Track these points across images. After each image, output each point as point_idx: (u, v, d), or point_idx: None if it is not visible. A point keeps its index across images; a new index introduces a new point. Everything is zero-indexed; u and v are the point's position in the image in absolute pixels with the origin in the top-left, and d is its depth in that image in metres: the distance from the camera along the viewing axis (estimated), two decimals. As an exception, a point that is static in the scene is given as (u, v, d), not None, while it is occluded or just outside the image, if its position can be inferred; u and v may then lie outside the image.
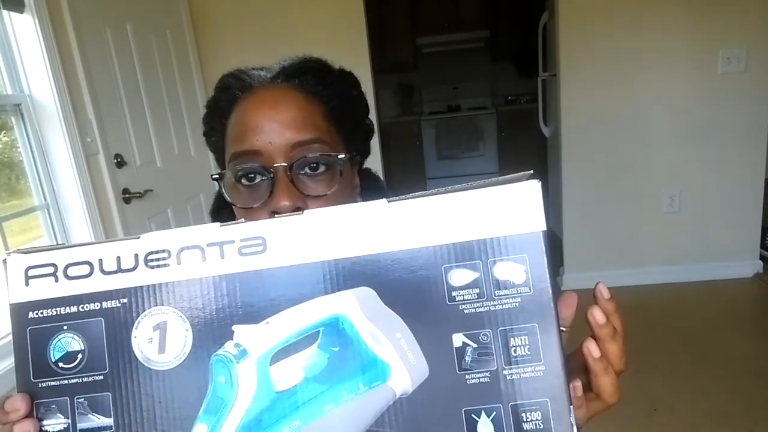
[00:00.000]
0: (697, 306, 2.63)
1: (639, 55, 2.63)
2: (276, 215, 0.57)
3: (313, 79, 0.63)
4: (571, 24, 2.63)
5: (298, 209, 0.57)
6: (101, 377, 0.38)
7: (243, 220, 0.39)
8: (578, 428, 0.37)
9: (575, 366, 0.40)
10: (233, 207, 0.62)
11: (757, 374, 2.06)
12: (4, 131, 1.78)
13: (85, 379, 0.38)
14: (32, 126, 1.79)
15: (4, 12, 1.69)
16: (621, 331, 0.41)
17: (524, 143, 4.57)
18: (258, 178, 0.59)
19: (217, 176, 0.61)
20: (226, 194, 0.61)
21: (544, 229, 0.37)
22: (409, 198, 0.38)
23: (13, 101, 1.74)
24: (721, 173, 2.71)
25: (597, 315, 0.40)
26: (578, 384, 0.38)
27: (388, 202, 0.38)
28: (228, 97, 0.64)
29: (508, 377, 0.37)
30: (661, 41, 2.60)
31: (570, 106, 2.74)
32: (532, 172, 0.38)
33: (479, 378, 0.37)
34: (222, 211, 0.71)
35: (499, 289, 0.37)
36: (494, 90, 5.15)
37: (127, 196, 2.06)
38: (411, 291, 0.37)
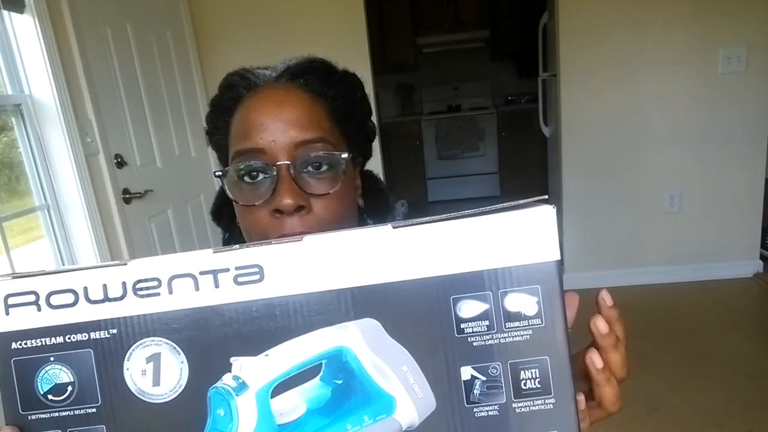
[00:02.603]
0: (697, 306, 2.63)
1: (639, 54, 2.62)
2: (278, 213, 0.57)
3: (318, 79, 0.63)
4: (572, 24, 2.63)
5: (300, 207, 0.57)
6: (94, 410, 0.37)
7: (237, 246, 0.37)
8: None
9: (576, 373, 0.40)
10: (234, 205, 0.62)
11: (757, 374, 2.06)
12: (4, 131, 1.78)
13: (77, 412, 0.37)
14: (32, 126, 1.79)
15: (4, 12, 1.69)
16: (623, 340, 0.41)
17: (524, 143, 4.57)
18: (261, 176, 0.59)
19: (220, 173, 0.61)
20: (228, 191, 0.61)
21: (559, 258, 0.36)
22: (415, 224, 0.36)
23: (14, 101, 1.74)
24: (722, 173, 2.71)
25: (600, 325, 0.39)
26: (581, 398, 0.38)
27: (393, 228, 0.36)
28: (232, 96, 0.64)
29: (518, 410, 0.36)
30: (661, 41, 2.60)
31: (570, 105, 2.73)
32: (546, 197, 0.36)
33: (488, 411, 0.36)
34: (223, 211, 0.71)
35: (510, 322, 0.36)
36: (494, 90, 5.14)
37: (127, 196, 2.05)
38: (417, 322, 0.36)
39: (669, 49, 2.61)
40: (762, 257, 2.84)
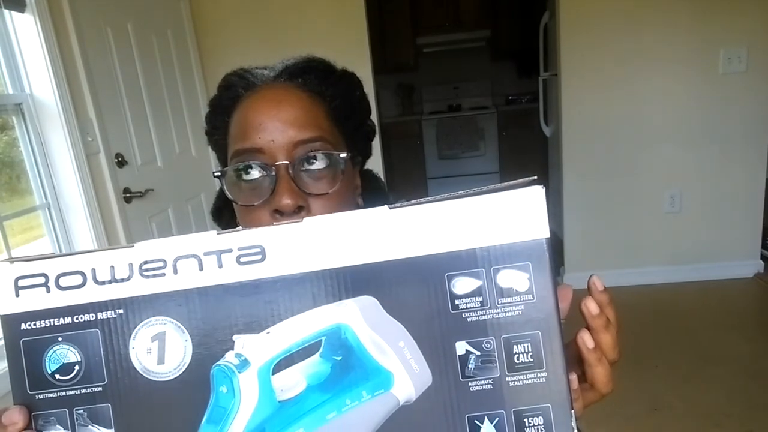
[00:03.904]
0: (697, 306, 2.63)
1: (640, 54, 2.63)
2: (277, 213, 0.57)
3: (316, 79, 0.63)
4: (572, 24, 2.63)
5: (299, 208, 0.57)
6: (100, 388, 0.37)
7: (240, 228, 0.38)
8: (576, 421, 0.38)
9: (570, 357, 0.41)
10: (234, 205, 0.62)
11: (757, 374, 2.06)
12: (5, 130, 1.79)
13: (83, 391, 0.37)
14: (33, 125, 1.79)
15: (5, 11, 1.69)
16: (614, 322, 0.41)
17: (525, 143, 4.57)
18: (260, 176, 0.59)
19: (219, 173, 0.61)
20: (227, 191, 0.61)
21: (548, 236, 0.37)
22: (410, 205, 0.37)
23: (14, 101, 1.74)
24: (722, 173, 2.71)
25: (591, 306, 0.40)
26: (574, 377, 0.39)
27: (390, 209, 0.37)
28: (231, 96, 0.64)
29: (511, 384, 0.37)
30: (661, 41, 2.61)
31: (571, 105, 2.74)
32: (535, 177, 0.37)
33: (482, 385, 0.37)
34: (223, 211, 0.71)
35: (503, 297, 0.37)
36: (495, 90, 5.14)
37: (127, 195, 2.06)
38: (413, 299, 0.37)
39: (670, 49, 2.61)
40: (762, 257, 2.84)
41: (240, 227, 0.38)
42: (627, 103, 2.69)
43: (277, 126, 0.58)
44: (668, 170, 2.75)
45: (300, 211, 0.57)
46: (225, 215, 0.71)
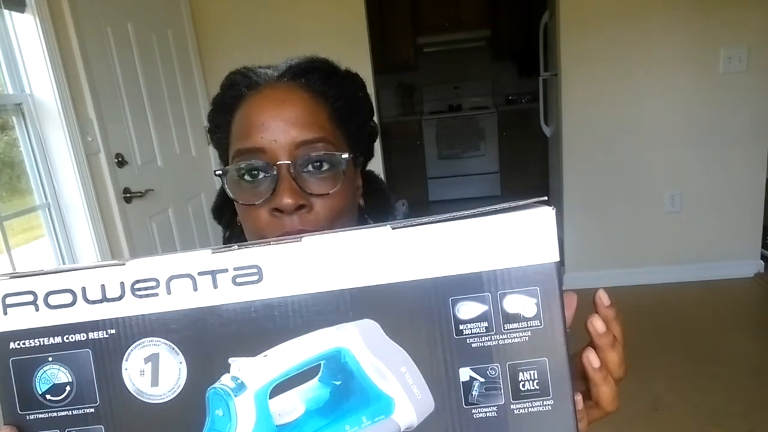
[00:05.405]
0: (697, 306, 2.63)
1: (640, 54, 2.62)
2: (277, 212, 0.57)
3: (320, 79, 0.63)
4: (572, 23, 2.63)
5: (300, 207, 0.57)
6: (92, 410, 0.37)
7: (236, 246, 0.37)
8: None
9: (574, 373, 0.40)
10: (235, 203, 0.62)
11: (757, 374, 2.07)
12: (5, 130, 1.78)
13: (75, 412, 0.37)
14: (33, 125, 1.78)
15: (5, 11, 1.69)
16: (621, 339, 0.41)
17: (525, 143, 4.57)
18: (261, 175, 0.59)
19: (220, 172, 0.61)
20: (228, 190, 0.61)
21: (557, 259, 0.36)
22: (414, 225, 0.36)
23: (14, 101, 1.74)
24: (723, 173, 2.71)
25: (597, 324, 0.39)
26: (579, 397, 0.38)
27: (392, 229, 0.36)
28: (234, 94, 0.64)
29: (516, 412, 0.36)
30: (662, 40, 2.60)
31: (571, 105, 2.73)
32: (545, 198, 0.36)
33: (486, 413, 0.36)
34: (223, 209, 0.71)
35: (509, 323, 0.36)
36: (495, 89, 5.14)
37: (128, 195, 2.06)
38: (416, 324, 0.36)
39: (670, 49, 2.61)
40: (763, 257, 2.84)
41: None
42: (627, 102, 2.69)
43: (279, 126, 0.58)
44: (668, 170, 2.75)
45: (301, 209, 0.57)
46: (225, 213, 0.71)
